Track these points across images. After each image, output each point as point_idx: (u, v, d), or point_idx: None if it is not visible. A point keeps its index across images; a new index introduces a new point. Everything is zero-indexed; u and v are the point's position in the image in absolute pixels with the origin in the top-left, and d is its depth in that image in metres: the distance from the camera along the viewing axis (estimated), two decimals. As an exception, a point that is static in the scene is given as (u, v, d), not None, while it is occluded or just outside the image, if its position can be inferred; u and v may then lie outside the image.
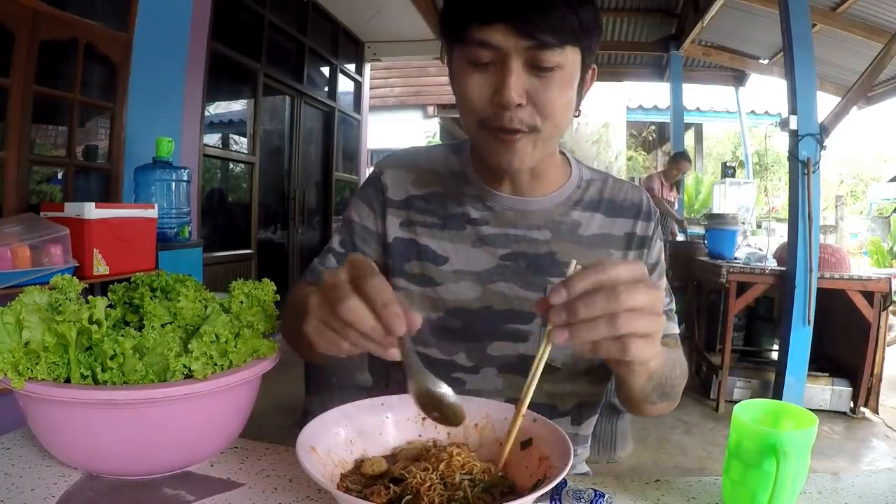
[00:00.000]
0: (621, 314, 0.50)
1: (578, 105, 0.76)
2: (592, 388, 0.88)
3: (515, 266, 0.83)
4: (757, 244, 3.98)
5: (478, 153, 0.85)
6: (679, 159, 5.20)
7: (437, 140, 9.10)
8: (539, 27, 0.65)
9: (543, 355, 0.56)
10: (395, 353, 0.50)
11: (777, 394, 3.26)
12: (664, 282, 0.90)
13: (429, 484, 0.53)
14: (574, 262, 0.57)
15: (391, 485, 0.53)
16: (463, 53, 0.71)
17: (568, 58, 0.69)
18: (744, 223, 4.34)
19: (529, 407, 0.58)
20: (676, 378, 0.76)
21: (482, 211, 0.85)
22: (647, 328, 0.51)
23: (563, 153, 0.90)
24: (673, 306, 0.90)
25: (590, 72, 0.76)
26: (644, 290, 0.51)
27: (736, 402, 0.65)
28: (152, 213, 2.26)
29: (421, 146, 0.96)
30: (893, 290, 3.20)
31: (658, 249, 0.89)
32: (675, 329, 0.89)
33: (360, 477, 0.57)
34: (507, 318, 0.83)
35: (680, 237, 5.06)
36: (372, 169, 0.93)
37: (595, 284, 0.51)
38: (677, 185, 5.47)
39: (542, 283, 0.83)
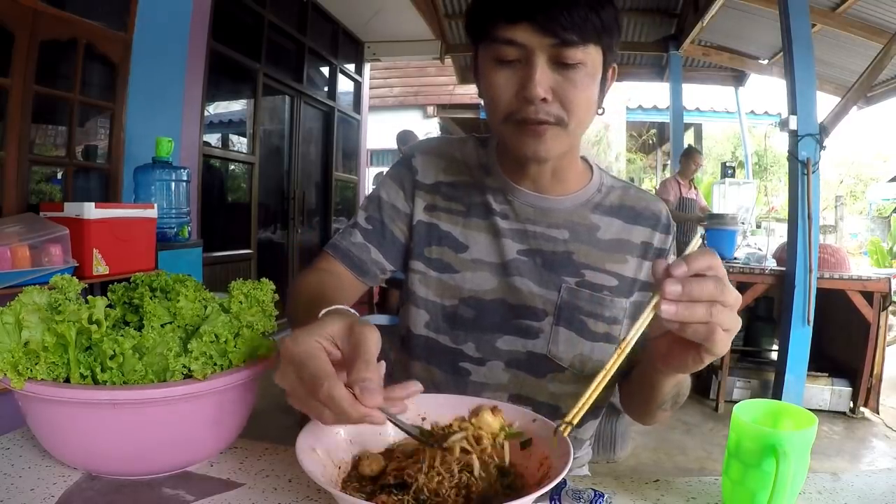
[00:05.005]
0: (718, 306, 0.53)
1: (601, 103, 0.78)
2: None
3: (531, 262, 0.84)
4: (757, 244, 3.98)
5: (503, 147, 0.86)
6: (692, 153, 5.15)
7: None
8: (563, 25, 0.68)
9: (645, 321, 0.56)
10: (380, 421, 0.50)
11: (777, 394, 3.26)
12: None
13: (438, 478, 0.53)
14: (701, 231, 0.58)
15: (395, 490, 0.53)
16: (489, 52, 0.73)
17: (590, 55, 0.71)
18: (743, 223, 4.33)
19: (531, 407, 0.58)
20: (687, 388, 0.78)
21: (502, 204, 0.86)
22: (734, 324, 0.54)
23: (585, 160, 0.91)
24: None
25: (610, 70, 0.78)
26: (735, 290, 0.54)
27: (735, 402, 0.65)
28: (152, 213, 2.26)
29: (453, 136, 0.98)
30: (893, 290, 3.21)
31: None
32: None
33: (360, 483, 0.57)
34: (518, 313, 0.83)
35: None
36: (402, 153, 0.95)
37: (708, 270, 0.53)
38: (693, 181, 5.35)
39: (557, 281, 0.83)
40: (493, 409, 0.55)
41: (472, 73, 0.80)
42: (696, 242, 0.58)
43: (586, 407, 0.55)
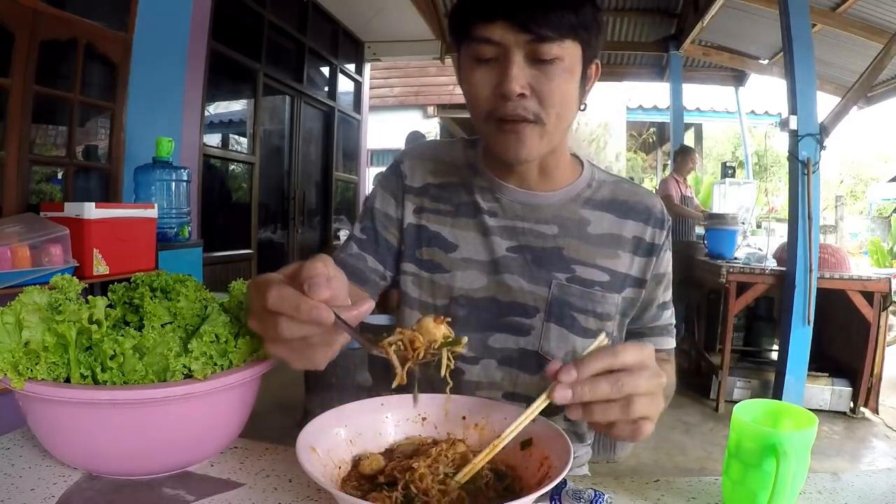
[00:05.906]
0: (619, 402, 0.54)
1: (582, 99, 0.79)
2: None
3: (521, 259, 0.84)
4: (757, 244, 3.98)
5: (487, 146, 0.87)
6: (688, 151, 5.17)
7: (437, 140, 9.11)
8: (537, 22, 0.69)
9: (529, 418, 0.56)
10: (328, 318, 0.48)
11: (777, 394, 3.26)
12: (669, 293, 0.90)
13: (429, 478, 0.53)
14: (603, 334, 0.60)
15: (386, 488, 0.53)
16: (469, 51, 0.74)
17: (567, 51, 0.72)
18: (744, 223, 4.33)
19: (526, 405, 0.58)
20: (668, 395, 0.79)
21: (491, 202, 0.86)
22: (648, 411, 0.55)
23: (576, 156, 0.91)
24: (673, 321, 0.90)
25: (593, 66, 0.78)
26: (647, 376, 0.54)
27: (736, 402, 0.65)
28: (152, 213, 2.26)
29: (442, 140, 0.99)
30: (893, 290, 3.20)
31: (667, 260, 0.88)
32: (672, 343, 0.90)
33: (359, 482, 0.57)
34: (510, 310, 0.83)
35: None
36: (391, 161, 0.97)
37: (604, 369, 0.54)
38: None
39: (547, 277, 0.83)
40: (436, 319, 0.56)
41: (457, 74, 0.81)
42: (598, 341, 0.58)
43: (475, 470, 0.55)
